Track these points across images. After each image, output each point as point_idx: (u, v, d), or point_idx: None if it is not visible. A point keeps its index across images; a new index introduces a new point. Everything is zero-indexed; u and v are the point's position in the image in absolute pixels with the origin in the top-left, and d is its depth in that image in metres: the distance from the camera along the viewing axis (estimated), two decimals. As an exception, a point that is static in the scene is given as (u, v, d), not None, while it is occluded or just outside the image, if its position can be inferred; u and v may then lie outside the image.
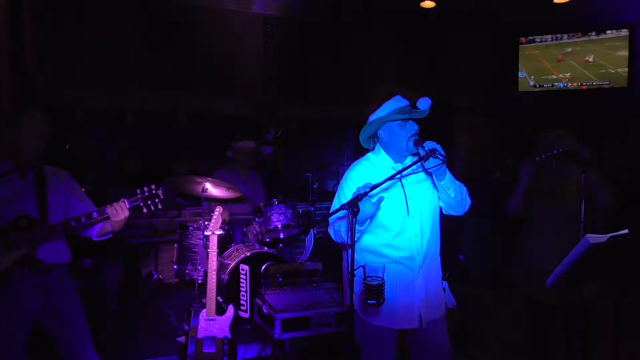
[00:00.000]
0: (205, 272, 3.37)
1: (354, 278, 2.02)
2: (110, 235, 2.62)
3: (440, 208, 2.42)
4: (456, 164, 6.61)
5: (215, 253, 3.30)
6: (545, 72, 6.31)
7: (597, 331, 3.05)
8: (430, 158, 2.14)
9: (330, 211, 2.27)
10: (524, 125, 6.04)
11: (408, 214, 2.29)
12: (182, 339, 3.40)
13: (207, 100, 6.06)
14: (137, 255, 5.21)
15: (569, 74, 6.19)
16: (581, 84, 6.15)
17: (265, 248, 4.20)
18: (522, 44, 6.39)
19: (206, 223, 3.49)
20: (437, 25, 6.37)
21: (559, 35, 6.22)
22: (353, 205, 2.00)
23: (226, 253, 4.20)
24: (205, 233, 3.40)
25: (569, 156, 2.87)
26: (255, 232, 4.45)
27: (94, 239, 2.62)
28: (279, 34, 6.33)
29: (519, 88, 6.47)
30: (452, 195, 2.30)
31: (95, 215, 2.44)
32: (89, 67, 5.32)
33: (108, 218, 2.45)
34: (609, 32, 5.98)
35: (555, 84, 6.29)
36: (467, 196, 2.39)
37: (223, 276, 3.95)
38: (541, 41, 6.32)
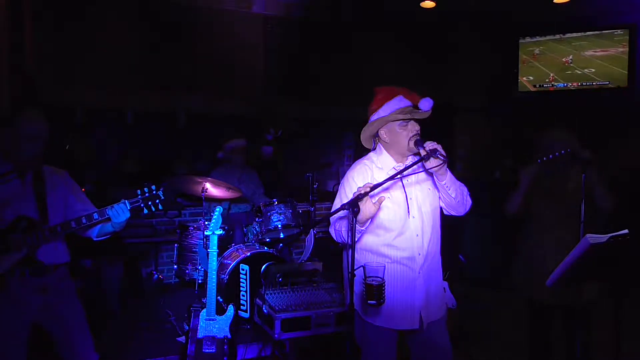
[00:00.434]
0: (205, 272, 3.37)
1: (354, 278, 2.01)
2: (109, 235, 2.62)
3: (441, 208, 2.42)
4: (456, 164, 6.61)
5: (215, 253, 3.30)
6: (545, 72, 6.31)
7: (597, 331, 3.05)
8: (431, 158, 2.14)
9: (332, 211, 2.27)
10: (524, 125, 6.04)
11: (409, 214, 2.29)
12: (182, 339, 3.40)
13: (207, 100, 6.06)
14: (137, 255, 5.21)
15: (569, 74, 6.19)
16: (581, 84, 6.15)
17: (265, 248, 4.20)
18: (523, 39, 6.39)
19: (206, 223, 3.49)
20: (437, 25, 6.37)
21: (559, 35, 6.22)
22: (354, 205, 2.00)
23: (226, 253, 4.20)
24: (205, 233, 3.40)
25: (569, 156, 2.87)
26: (255, 232, 4.45)
27: (94, 239, 2.62)
28: (279, 34, 6.33)
29: (519, 88, 6.47)
30: (453, 196, 2.30)
31: (96, 216, 2.43)
32: (89, 67, 5.33)
33: (109, 219, 2.45)
34: (608, 32, 5.98)
35: (555, 84, 6.29)
36: (468, 196, 2.39)
37: (223, 276, 3.95)
38: (541, 40, 6.32)
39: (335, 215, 2.24)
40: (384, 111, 2.31)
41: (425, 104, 2.26)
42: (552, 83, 6.31)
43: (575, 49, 6.16)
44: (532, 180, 3.04)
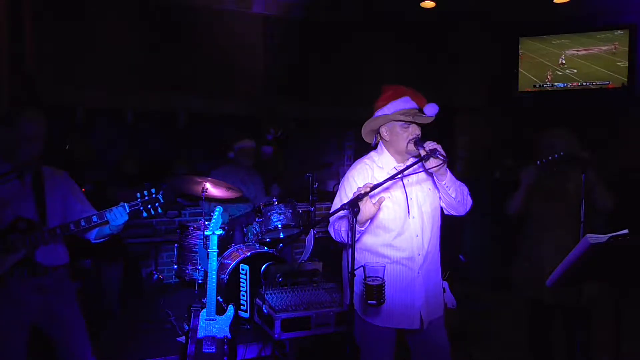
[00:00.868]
0: (205, 272, 3.37)
1: (354, 278, 2.02)
2: (108, 238, 2.61)
3: (441, 208, 2.42)
4: (456, 164, 6.61)
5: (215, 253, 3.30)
6: (545, 72, 6.31)
7: (597, 331, 3.05)
8: (431, 158, 2.14)
9: (331, 210, 2.27)
10: (524, 125, 6.04)
11: (409, 214, 2.29)
12: (182, 339, 3.40)
13: (207, 100, 6.06)
14: (137, 255, 5.22)
15: (568, 73, 6.19)
16: (581, 84, 6.15)
17: (265, 248, 4.20)
18: (523, 39, 6.39)
19: (206, 223, 3.49)
20: (437, 25, 6.36)
21: (559, 35, 6.22)
22: (353, 205, 2.00)
23: (226, 253, 4.20)
24: (205, 233, 3.40)
25: (568, 157, 2.87)
26: (255, 232, 4.45)
27: (92, 241, 2.62)
28: (279, 34, 6.32)
29: (519, 88, 6.47)
30: (453, 196, 2.30)
31: (95, 219, 2.42)
32: (89, 67, 5.32)
33: (108, 222, 2.45)
34: (608, 32, 5.98)
35: (555, 84, 6.29)
36: (469, 196, 2.39)
37: (223, 276, 3.95)
38: (541, 40, 6.32)
39: (335, 215, 2.24)
40: (388, 109, 2.32)
41: (431, 110, 2.26)
42: (552, 83, 6.31)
43: (576, 49, 6.16)
44: (532, 181, 3.04)
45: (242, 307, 3.90)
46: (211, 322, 3.17)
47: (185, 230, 4.49)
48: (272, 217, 4.31)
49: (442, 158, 2.12)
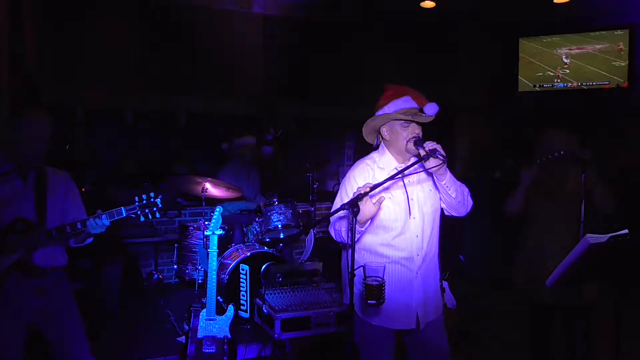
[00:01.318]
0: (205, 272, 3.37)
1: (354, 278, 2.02)
2: (86, 244, 2.59)
3: (442, 209, 2.42)
4: (456, 164, 6.61)
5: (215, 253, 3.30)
6: (545, 72, 6.31)
7: (597, 331, 3.05)
8: (431, 158, 2.14)
9: (332, 210, 2.27)
10: (524, 125, 6.03)
11: (410, 215, 2.29)
12: (182, 339, 3.40)
13: (207, 100, 6.06)
14: (137, 255, 5.21)
15: (569, 73, 6.19)
16: (581, 84, 6.15)
17: (265, 248, 4.20)
18: (523, 39, 6.39)
19: (206, 223, 3.49)
20: (437, 25, 6.36)
21: (559, 35, 6.22)
22: (353, 205, 2.00)
23: (226, 253, 4.20)
24: (205, 233, 3.40)
25: (569, 157, 2.87)
26: (255, 232, 4.45)
27: (72, 245, 2.59)
28: (279, 34, 6.32)
29: (519, 88, 6.47)
30: (453, 196, 2.30)
31: (90, 222, 2.40)
32: (89, 67, 5.32)
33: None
34: (608, 32, 5.98)
35: (555, 84, 6.29)
36: (469, 197, 2.39)
37: (223, 276, 3.95)
38: (541, 40, 6.33)
39: (335, 215, 2.24)
40: (389, 108, 2.32)
41: (431, 109, 2.26)
42: (552, 83, 6.31)
43: (575, 49, 6.16)
44: (532, 181, 3.04)
45: (242, 307, 3.90)
46: (211, 322, 3.17)
47: (185, 230, 4.49)
48: (272, 217, 4.31)
49: (441, 158, 2.12)
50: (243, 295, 3.90)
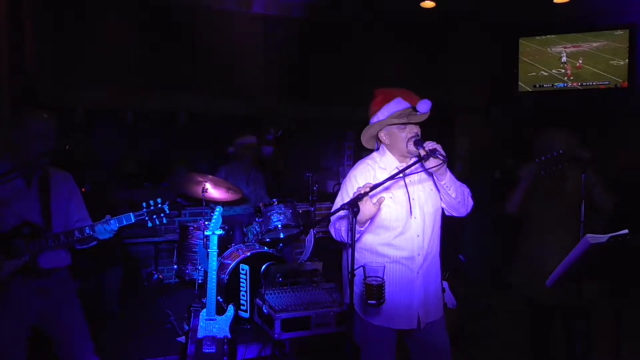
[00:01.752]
0: (205, 272, 3.37)
1: (354, 278, 2.01)
2: (94, 243, 2.61)
3: (442, 209, 2.42)
4: (456, 164, 6.61)
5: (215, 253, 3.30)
6: (545, 72, 6.31)
7: (597, 331, 3.05)
8: (431, 158, 2.14)
9: (332, 210, 2.27)
10: (524, 125, 6.03)
11: (411, 215, 2.29)
12: (182, 339, 3.40)
13: (207, 100, 6.05)
14: (137, 255, 5.21)
15: (568, 73, 6.19)
16: (581, 84, 6.15)
17: (265, 248, 4.20)
18: (523, 39, 6.39)
19: (206, 223, 3.49)
20: (437, 25, 6.36)
21: (559, 35, 6.22)
22: (353, 205, 2.00)
23: (226, 253, 4.20)
24: (205, 233, 3.40)
25: (568, 157, 2.87)
26: (255, 232, 4.45)
27: (76, 247, 2.61)
28: (279, 34, 6.32)
29: (519, 88, 6.47)
30: (453, 196, 2.30)
31: (99, 227, 2.44)
32: (89, 67, 5.32)
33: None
34: (608, 32, 5.97)
35: (555, 84, 6.29)
36: (470, 197, 2.39)
37: (223, 276, 3.95)
38: (541, 40, 6.33)
39: (335, 214, 2.24)
40: (382, 114, 2.32)
41: (423, 106, 2.25)
42: (552, 83, 6.31)
43: (575, 48, 6.16)
44: (532, 180, 3.04)
45: (242, 307, 3.90)
46: (211, 322, 3.17)
47: (185, 230, 4.49)
48: (272, 217, 4.31)
49: (441, 158, 2.12)
50: (243, 295, 3.90)
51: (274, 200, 4.38)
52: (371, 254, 2.33)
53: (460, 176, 2.40)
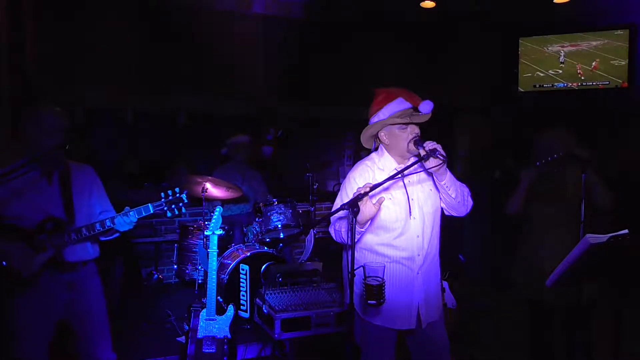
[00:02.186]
0: (205, 272, 3.37)
1: (354, 278, 2.01)
2: (117, 235, 2.64)
3: (442, 209, 2.42)
4: (456, 164, 6.61)
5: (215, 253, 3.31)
6: (545, 72, 6.31)
7: (597, 331, 3.05)
8: (430, 158, 2.14)
9: (332, 210, 2.27)
10: (524, 125, 6.03)
11: (410, 215, 2.29)
12: (182, 339, 3.40)
13: (207, 101, 6.06)
14: (137, 255, 5.21)
15: (569, 73, 6.19)
16: (581, 84, 6.15)
17: (265, 248, 4.20)
18: (523, 39, 6.39)
19: (206, 223, 3.49)
20: (437, 25, 6.36)
21: (559, 35, 6.22)
22: (353, 206, 2.00)
23: (226, 253, 4.20)
24: (205, 233, 3.40)
25: (568, 157, 2.87)
26: (255, 232, 4.45)
27: (100, 239, 2.65)
28: (279, 34, 6.32)
29: (519, 88, 6.47)
30: (453, 196, 2.30)
31: (119, 219, 2.47)
32: (89, 67, 5.32)
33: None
34: (608, 32, 5.97)
35: (555, 84, 6.29)
36: (469, 197, 2.39)
37: (223, 276, 3.95)
38: (541, 40, 6.33)
39: (335, 215, 2.24)
40: (383, 114, 2.31)
41: (425, 107, 2.25)
42: (552, 83, 6.31)
43: (575, 48, 6.15)
44: (532, 181, 3.04)
45: (242, 307, 3.90)
46: (211, 322, 3.17)
47: (185, 230, 4.49)
48: (272, 217, 4.31)
49: (441, 158, 2.12)
50: (243, 295, 3.90)
51: (274, 200, 4.38)
52: (371, 254, 2.33)
53: (460, 176, 2.40)
